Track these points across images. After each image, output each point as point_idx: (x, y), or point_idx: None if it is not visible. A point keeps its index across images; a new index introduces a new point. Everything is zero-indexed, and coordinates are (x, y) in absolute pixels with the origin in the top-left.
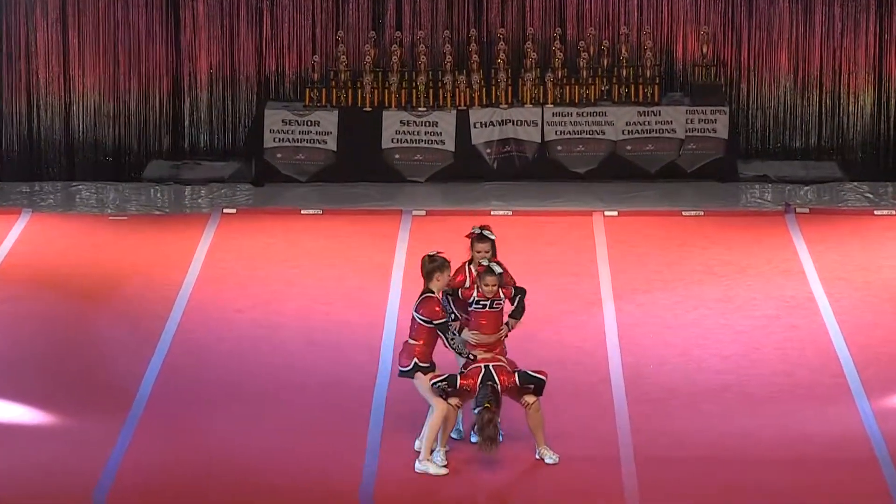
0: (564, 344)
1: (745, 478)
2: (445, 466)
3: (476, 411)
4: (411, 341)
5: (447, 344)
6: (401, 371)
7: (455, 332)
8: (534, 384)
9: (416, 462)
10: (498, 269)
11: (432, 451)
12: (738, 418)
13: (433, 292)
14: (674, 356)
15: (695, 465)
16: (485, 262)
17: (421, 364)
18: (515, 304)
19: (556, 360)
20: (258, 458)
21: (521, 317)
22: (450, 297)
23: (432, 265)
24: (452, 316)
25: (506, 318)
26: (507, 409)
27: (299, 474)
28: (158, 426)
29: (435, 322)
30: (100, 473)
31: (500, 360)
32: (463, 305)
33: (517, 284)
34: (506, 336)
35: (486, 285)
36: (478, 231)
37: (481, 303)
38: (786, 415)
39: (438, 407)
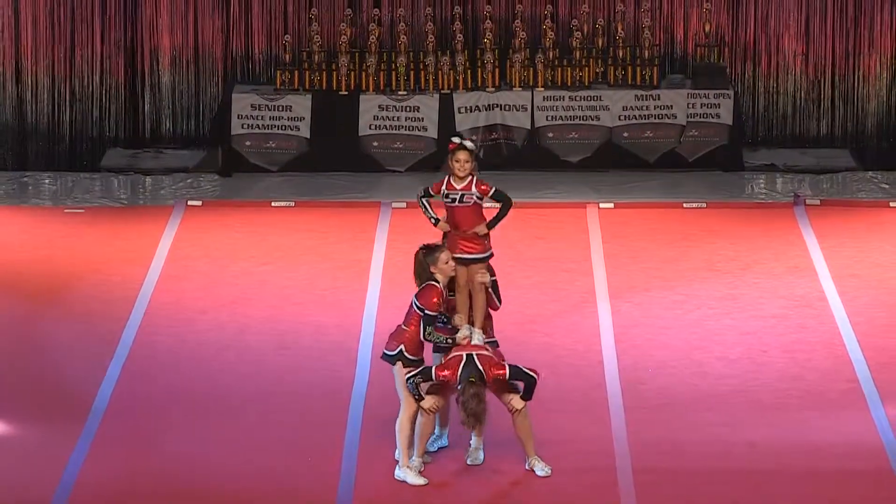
0: (556, 346)
1: (750, 491)
2: (422, 475)
3: (459, 386)
4: (403, 326)
5: (423, 334)
6: (384, 354)
7: (436, 332)
8: (524, 382)
9: (396, 468)
10: (470, 145)
11: (411, 457)
12: (743, 427)
13: (437, 282)
14: (674, 359)
15: (697, 478)
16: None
17: (407, 355)
18: (496, 214)
19: (547, 364)
20: (225, 468)
21: (492, 228)
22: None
23: (428, 256)
24: (444, 318)
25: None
26: (494, 415)
27: (270, 485)
28: (118, 436)
29: (426, 312)
30: (56, 486)
31: (484, 350)
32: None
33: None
34: (483, 237)
35: (457, 161)
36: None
37: (451, 196)
38: (795, 423)
39: (407, 406)
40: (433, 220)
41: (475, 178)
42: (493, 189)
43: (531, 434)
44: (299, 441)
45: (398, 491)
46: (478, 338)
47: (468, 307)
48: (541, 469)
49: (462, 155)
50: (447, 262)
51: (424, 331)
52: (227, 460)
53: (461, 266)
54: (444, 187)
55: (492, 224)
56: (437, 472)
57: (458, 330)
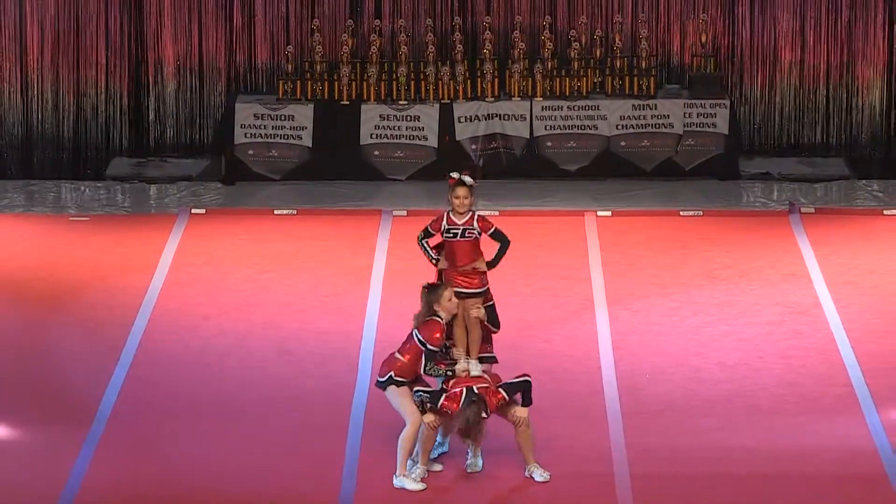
0: (554, 353)
1: (748, 495)
2: (424, 481)
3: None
4: (397, 355)
5: (424, 369)
6: (378, 381)
7: (436, 365)
8: (521, 391)
9: (394, 477)
10: (469, 181)
11: (413, 465)
12: (739, 432)
13: (440, 318)
14: (671, 366)
15: (694, 483)
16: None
17: (396, 378)
18: (496, 253)
19: (545, 371)
20: (228, 473)
21: (493, 267)
22: (425, 241)
23: (431, 294)
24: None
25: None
26: (491, 424)
27: (272, 490)
28: (122, 440)
29: (428, 347)
30: (61, 490)
31: (483, 382)
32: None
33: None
34: (481, 273)
35: (457, 197)
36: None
37: (451, 231)
38: (790, 428)
39: (411, 420)
40: (434, 261)
41: (476, 214)
42: (494, 228)
43: (532, 443)
44: (301, 446)
45: (399, 497)
46: (476, 370)
47: (465, 339)
48: (539, 475)
49: (461, 191)
50: (450, 300)
51: (426, 366)
52: (229, 465)
53: (458, 299)
54: (444, 223)
55: (493, 263)
56: (437, 478)
57: (457, 362)
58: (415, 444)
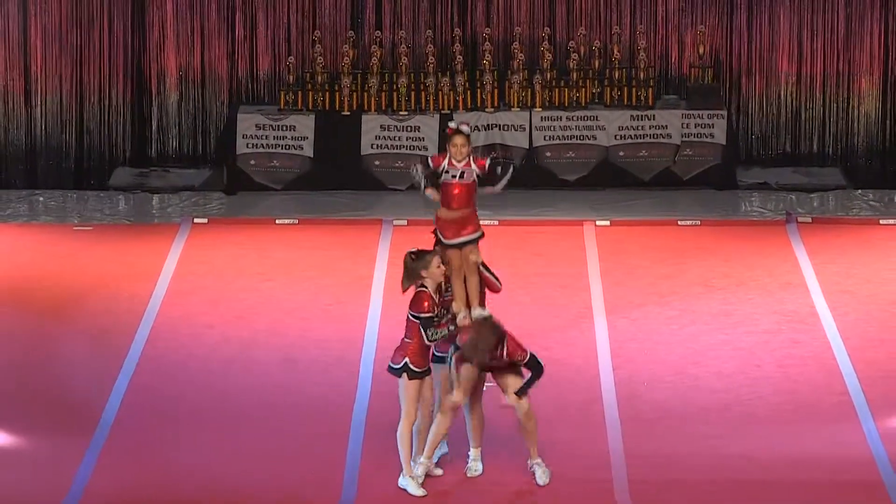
0: (554, 361)
1: (745, 502)
2: (424, 486)
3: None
4: (406, 339)
5: (427, 338)
6: (390, 367)
7: (437, 329)
8: (531, 368)
9: (400, 477)
10: (466, 129)
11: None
12: (737, 439)
13: (426, 288)
14: (669, 374)
15: (692, 490)
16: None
17: (412, 367)
18: (500, 172)
19: (545, 378)
20: (230, 479)
21: (496, 184)
22: (425, 178)
23: (419, 262)
24: (442, 312)
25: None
26: (490, 427)
27: (274, 495)
28: (125, 448)
29: (422, 316)
30: (64, 496)
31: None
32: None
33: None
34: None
35: (455, 146)
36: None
37: (451, 172)
38: (787, 436)
39: (406, 415)
40: (423, 185)
41: (471, 157)
42: (490, 159)
43: (535, 436)
44: (303, 452)
45: (400, 502)
46: (478, 312)
47: (465, 292)
48: (540, 476)
49: (459, 139)
50: (438, 266)
51: (426, 335)
52: (232, 471)
53: (455, 251)
54: (445, 164)
55: (497, 185)
56: (437, 483)
57: (457, 316)
58: (411, 441)
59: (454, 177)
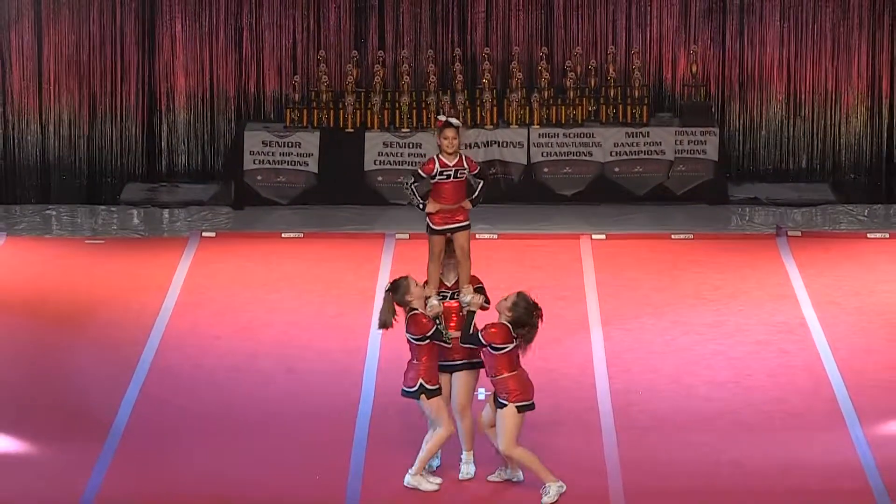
0: (551, 370)
1: None
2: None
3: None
4: (414, 361)
5: (447, 343)
6: (404, 391)
7: (448, 331)
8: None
9: (409, 474)
10: (456, 122)
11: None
12: (729, 447)
13: (416, 309)
14: (663, 383)
15: (685, 496)
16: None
17: (427, 386)
18: (477, 189)
19: (542, 388)
20: (237, 488)
21: (472, 198)
22: (416, 185)
23: (398, 292)
24: (439, 324)
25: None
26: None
27: (280, 502)
28: (135, 457)
29: (427, 335)
30: (76, 503)
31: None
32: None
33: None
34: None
35: (446, 138)
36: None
37: (445, 173)
38: (778, 443)
39: (445, 427)
40: (421, 206)
41: (463, 155)
42: (479, 168)
43: (539, 464)
44: (307, 460)
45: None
46: (467, 298)
47: (439, 278)
48: (553, 493)
49: (449, 132)
50: (417, 286)
51: (446, 342)
52: (239, 478)
53: (440, 237)
54: (437, 167)
55: (476, 200)
56: (431, 497)
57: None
58: (438, 449)
59: (448, 177)
